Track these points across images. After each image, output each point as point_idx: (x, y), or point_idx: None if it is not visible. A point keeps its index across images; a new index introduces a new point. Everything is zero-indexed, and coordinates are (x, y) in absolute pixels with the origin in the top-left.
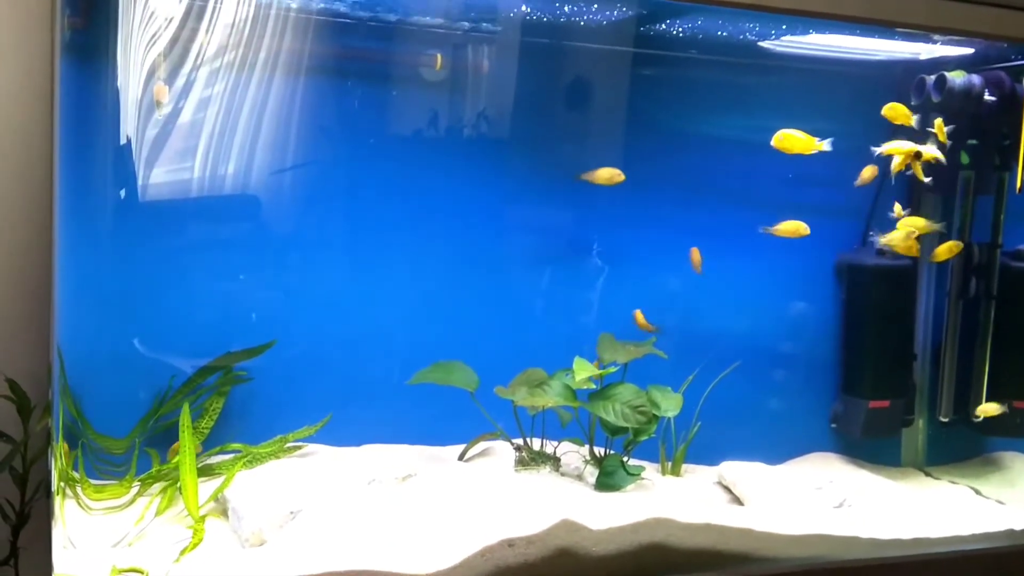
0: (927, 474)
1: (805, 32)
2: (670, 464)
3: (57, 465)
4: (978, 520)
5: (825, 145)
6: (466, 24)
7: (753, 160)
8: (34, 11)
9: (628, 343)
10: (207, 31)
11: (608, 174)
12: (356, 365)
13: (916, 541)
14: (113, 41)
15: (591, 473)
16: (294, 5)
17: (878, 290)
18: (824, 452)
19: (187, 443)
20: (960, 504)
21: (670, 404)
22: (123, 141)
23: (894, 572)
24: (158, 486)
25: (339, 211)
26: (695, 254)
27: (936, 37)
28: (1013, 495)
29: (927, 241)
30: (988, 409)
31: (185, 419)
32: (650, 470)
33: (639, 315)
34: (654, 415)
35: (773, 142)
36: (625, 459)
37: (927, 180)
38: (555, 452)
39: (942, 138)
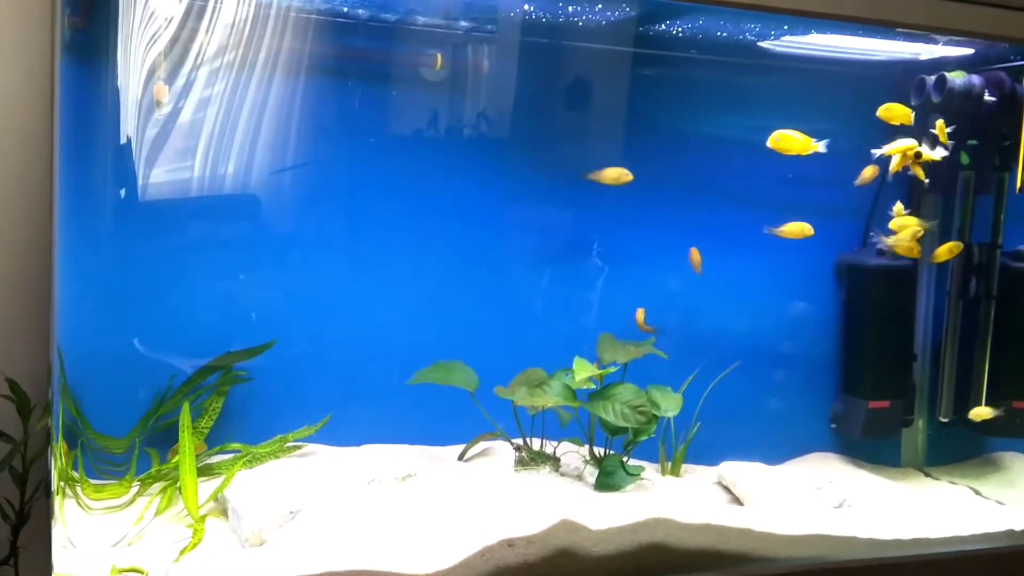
0: (927, 474)
1: (805, 32)
2: (670, 464)
3: (57, 465)
4: (978, 520)
5: (821, 146)
6: (466, 24)
7: (753, 160)
8: (34, 11)
9: (628, 343)
10: (207, 31)
11: (615, 174)
12: (356, 365)
13: (916, 541)
14: (113, 41)
15: (591, 473)
16: (294, 5)
17: (878, 290)
18: (824, 452)
19: (187, 443)
20: (960, 504)
21: (670, 404)
22: (123, 141)
23: (894, 572)
24: (158, 486)
25: (339, 211)
26: (695, 254)
27: (936, 37)
28: (1013, 495)
29: (927, 241)
30: (981, 413)
31: (185, 419)
32: (650, 470)
33: (641, 313)
34: (654, 415)
35: (769, 143)
36: (625, 459)
37: (926, 181)
38: (555, 452)
39: (943, 139)
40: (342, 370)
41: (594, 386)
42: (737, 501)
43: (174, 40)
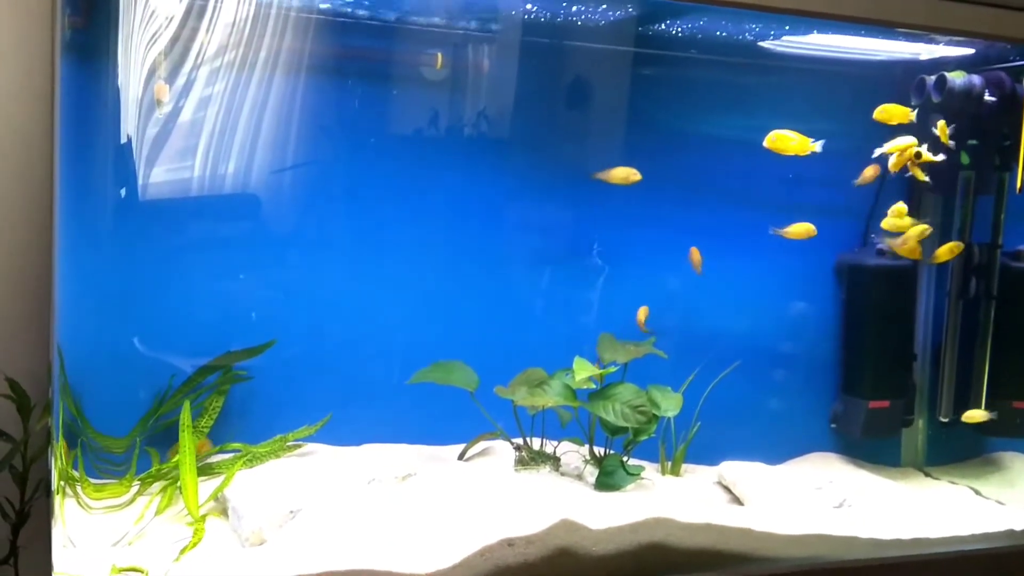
0: (927, 474)
1: (805, 32)
2: (670, 464)
3: (57, 464)
4: (978, 520)
5: (817, 146)
6: (466, 23)
7: (753, 160)
8: (34, 11)
9: (628, 343)
10: (207, 30)
11: (624, 173)
12: (356, 365)
13: (916, 541)
14: (113, 40)
15: (591, 473)
16: (294, 4)
17: (878, 290)
18: (824, 452)
19: (187, 442)
20: (960, 504)
21: (670, 404)
22: (123, 140)
23: (894, 572)
24: (158, 485)
25: (339, 210)
26: (695, 254)
27: (936, 37)
28: (1013, 495)
29: (927, 241)
30: (975, 415)
31: (185, 418)
32: (650, 470)
33: (643, 312)
34: (654, 415)
35: (766, 143)
36: (625, 459)
37: (927, 180)
38: (555, 452)
39: (944, 139)
40: (342, 370)
41: (594, 386)
42: (737, 501)
43: (174, 39)
